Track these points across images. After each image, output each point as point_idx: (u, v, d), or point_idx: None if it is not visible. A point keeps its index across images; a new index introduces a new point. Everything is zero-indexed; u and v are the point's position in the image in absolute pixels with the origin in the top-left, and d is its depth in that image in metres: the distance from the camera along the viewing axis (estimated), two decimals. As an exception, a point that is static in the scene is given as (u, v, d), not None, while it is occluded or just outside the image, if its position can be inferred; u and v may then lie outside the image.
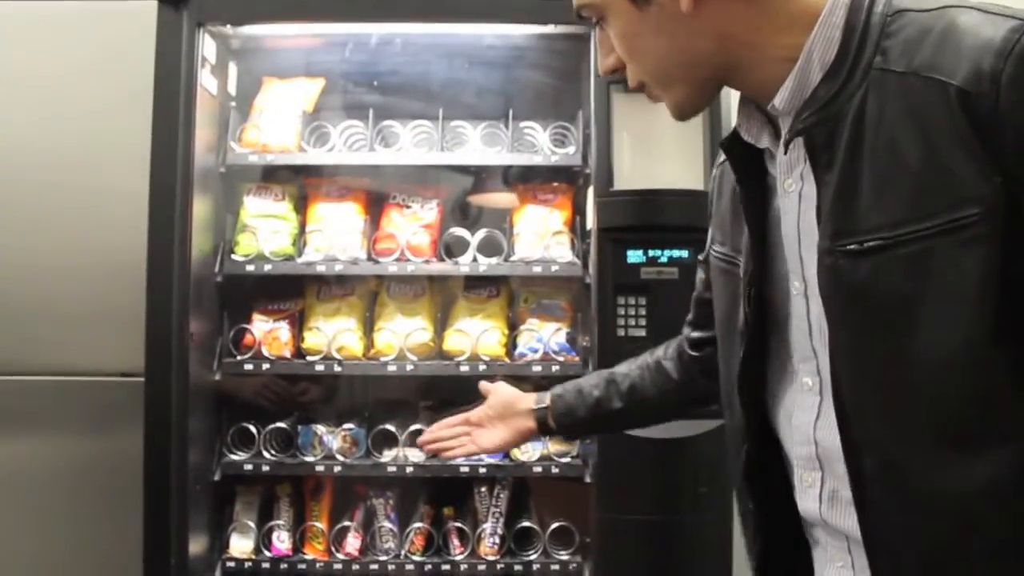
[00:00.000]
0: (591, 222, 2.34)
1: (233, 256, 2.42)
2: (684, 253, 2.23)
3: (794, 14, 1.00)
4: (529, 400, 1.62)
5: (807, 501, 1.08)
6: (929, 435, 0.94)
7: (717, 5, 1.01)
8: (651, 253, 2.23)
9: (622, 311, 2.22)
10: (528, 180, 2.57)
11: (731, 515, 2.27)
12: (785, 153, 1.05)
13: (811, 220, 1.01)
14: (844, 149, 0.97)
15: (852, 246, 0.95)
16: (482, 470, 2.38)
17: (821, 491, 1.05)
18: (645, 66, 1.08)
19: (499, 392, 1.66)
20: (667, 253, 2.23)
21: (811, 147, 1.00)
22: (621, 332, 2.22)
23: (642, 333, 2.21)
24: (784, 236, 1.07)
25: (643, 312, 2.22)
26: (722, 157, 1.23)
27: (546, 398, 1.59)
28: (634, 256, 2.23)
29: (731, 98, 2.36)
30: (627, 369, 1.57)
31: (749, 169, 1.12)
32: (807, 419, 1.06)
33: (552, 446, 2.39)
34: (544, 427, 1.59)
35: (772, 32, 1.01)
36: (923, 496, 0.95)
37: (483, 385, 1.70)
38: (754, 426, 1.13)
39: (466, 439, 1.65)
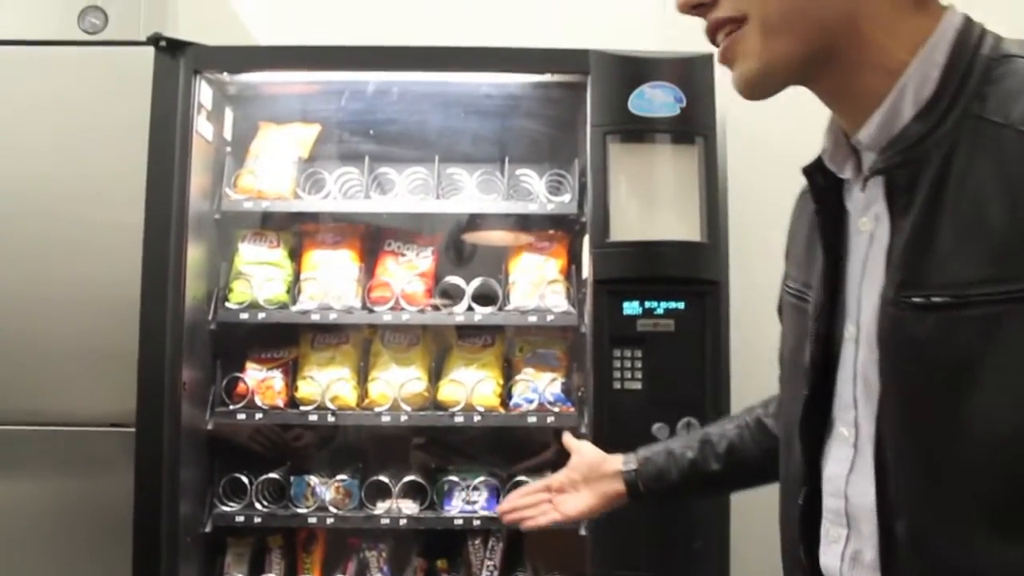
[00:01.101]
0: (586, 270, 2.34)
1: (227, 304, 2.40)
2: (680, 304, 2.21)
3: (911, 30, 0.94)
4: (616, 462, 1.52)
5: (829, 556, 1.02)
6: (971, 511, 0.88)
7: None
8: (647, 304, 2.22)
9: (618, 363, 2.20)
10: (524, 227, 2.56)
11: (727, 569, 2.25)
12: (863, 190, 1.00)
13: (878, 264, 0.96)
14: (925, 196, 0.91)
15: (919, 299, 0.90)
16: (476, 522, 2.35)
17: (845, 549, 1.00)
18: (761, 8, 0.95)
19: (582, 453, 1.57)
20: (663, 305, 2.21)
21: (890, 188, 0.95)
22: (617, 385, 2.20)
23: (638, 386, 2.19)
24: (849, 276, 1.02)
25: (639, 364, 2.20)
26: (801, 188, 1.17)
27: (633, 460, 1.51)
28: (630, 308, 2.22)
29: (735, 157, 2.40)
30: (721, 429, 1.48)
31: (827, 200, 1.05)
32: (839, 471, 1.01)
33: (547, 498, 2.36)
34: (634, 491, 1.50)
35: (887, 38, 0.94)
36: (952, 573, 0.89)
37: (567, 441, 1.63)
38: (815, 473, 1.05)
39: (548, 507, 1.56)
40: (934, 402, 0.89)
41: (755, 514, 2.32)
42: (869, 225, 0.98)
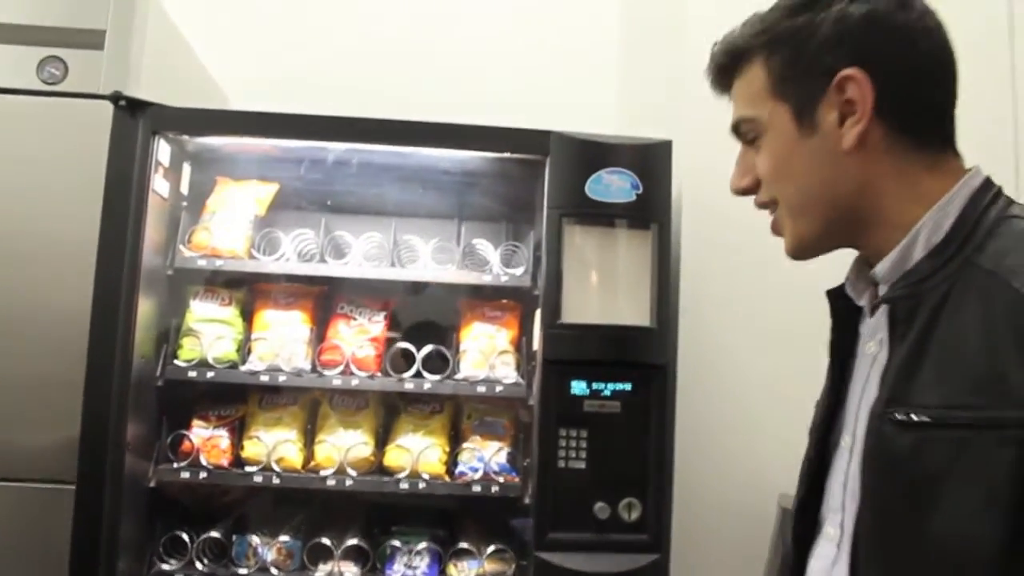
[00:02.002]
0: (536, 341, 2.38)
1: (176, 361, 2.40)
2: (627, 386, 2.26)
3: (923, 191, 1.09)
4: None
5: None
6: None
7: (870, 157, 1.10)
8: (594, 386, 2.26)
9: (563, 442, 2.24)
10: (476, 295, 2.59)
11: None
12: (871, 316, 1.15)
13: (875, 383, 1.08)
14: (920, 326, 1.04)
15: (901, 416, 1.02)
16: (417, 590, 2.38)
17: None
18: (787, 190, 1.16)
19: None
20: (610, 386, 2.26)
21: (893, 316, 1.09)
22: (562, 463, 2.23)
23: (582, 466, 2.24)
24: (851, 393, 1.16)
25: (584, 444, 2.24)
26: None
27: None
28: (577, 387, 2.26)
29: (690, 244, 2.45)
30: None
31: (846, 322, 1.21)
32: (821, 567, 1.14)
33: (488, 566, 2.39)
34: None
35: (901, 200, 1.10)
36: None
37: None
38: (801, 565, 1.19)
39: None
40: (906, 509, 1.01)
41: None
42: (874, 348, 1.13)
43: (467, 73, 3.06)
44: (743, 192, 1.21)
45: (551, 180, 2.31)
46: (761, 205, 1.20)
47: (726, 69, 1.22)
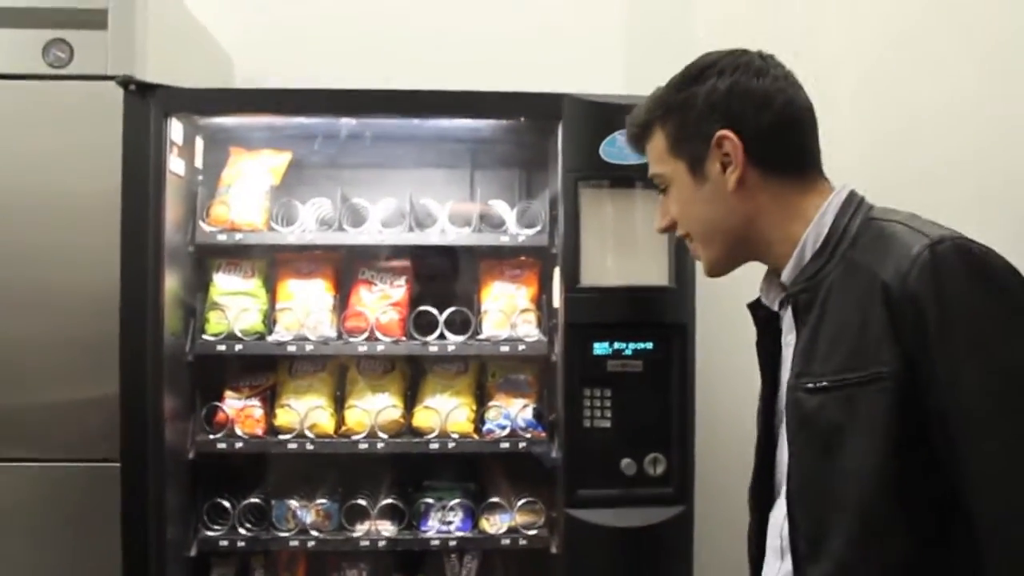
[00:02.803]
0: (557, 301, 2.42)
1: (204, 336, 2.45)
2: (649, 345, 2.31)
3: (800, 211, 1.39)
4: None
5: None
6: (845, 524, 1.26)
7: (750, 194, 1.40)
8: (616, 346, 2.31)
9: (588, 403, 2.30)
10: (495, 256, 2.62)
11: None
12: (783, 313, 1.43)
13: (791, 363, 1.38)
14: (815, 314, 1.33)
15: (809, 384, 1.31)
16: (452, 542, 2.47)
17: (779, 572, 1.41)
18: (694, 227, 1.48)
19: None
20: (632, 346, 2.31)
21: (796, 309, 1.38)
22: (587, 423, 2.30)
23: (607, 424, 2.30)
24: (782, 380, 1.41)
25: (608, 404, 2.30)
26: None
27: None
28: (600, 348, 2.31)
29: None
30: None
31: (768, 326, 1.49)
32: (775, 521, 1.42)
33: (519, 518, 2.48)
34: None
35: (784, 220, 1.40)
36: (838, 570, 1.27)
37: None
38: (762, 529, 1.47)
39: None
40: (815, 461, 1.30)
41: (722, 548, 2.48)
42: (790, 338, 1.41)
43: (472, 35, 3.01)
44: (665, 230, 1.54)
45: (565, 144, 2.31)
46: (682, 237, 1.52)
47: (639, 137, 1.53)
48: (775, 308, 1.47)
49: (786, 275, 1.40)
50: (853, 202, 1.38)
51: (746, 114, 1.38)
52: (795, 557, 1.34)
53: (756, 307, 1.52)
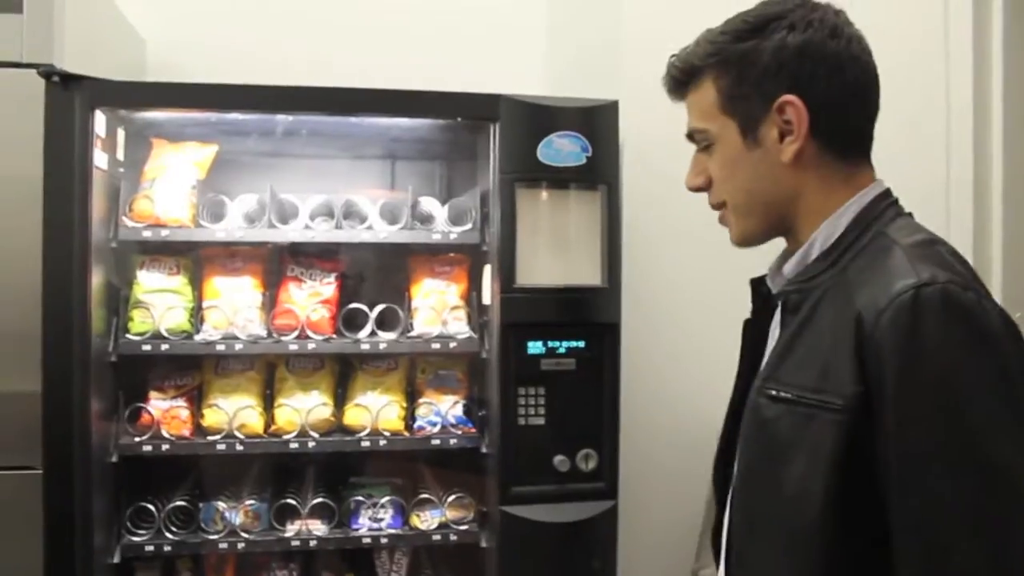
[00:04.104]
0: (487, 297, 2.45)
1: (128, 335, 2.37)
2: (581, 344, 2.37)
3: (836, 199, 1.28)
4: None
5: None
6: (768, 540, 1.24)
7: (803, 170, 1.28)
8: (550, 345, 2.36)
9: (522, 401, 2.34)
10: (424, 251, 2.62)
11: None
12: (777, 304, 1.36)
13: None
14: (800, 317, 1.25)
15: (772, 391, 1.24)
16: (384, 540, 2.48)
17: None
18: (735, 192, 1.34)
19: None
20: (565, 344, 2.36)
21: (784, 308, 1.32)
22: (522, 421, 2.34)
23: (541, 422, 2.35)
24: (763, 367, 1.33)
25: (542, 402, 2.35)
26: None
27: None
28: (534, 348, 2.35)
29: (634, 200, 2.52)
30: None
31: (764, 306, 1.40)
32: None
33: (450, 513, 2.50)
34: None
35: (821, 205, 1.28)
36: None
37: None
38: (721, 517, 1.42)
39: None
40: (763, 469, 1.25)
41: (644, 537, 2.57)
42: (776, 332, 1.34)
43: (391, 37, 3.01)
44: (697, 189, 1.38)
45: (502, 144, 2.33)
46: (713, 206, 1.38)
47: (681, 83, 1.36)
48: (775, 292, 1.37)
49: (788, 269, 1.32)
50: (878, 207, 1.27)
51: (817, 79, 1.25)
52: (727, 562, 1.33)
53: (759, 283, 1.42)
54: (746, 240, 1.36)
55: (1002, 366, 1.10)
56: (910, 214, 1.30)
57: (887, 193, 1.30)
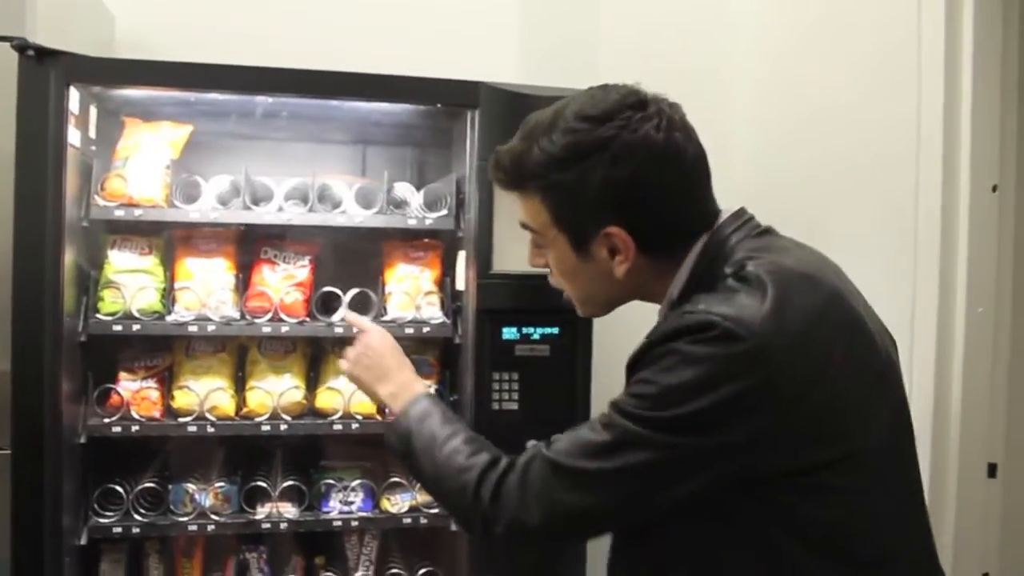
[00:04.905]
0: (461, 283, 2.47)
1: (98, 315, 2.35)
2: (555, 330, 2.40)
3: (670, 272, 1.36)
4: None
5: None
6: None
7: (637, 273, 1.35)
8: (524, 330, 2.38)
9: (496, 386, 2.37)
10: (398, 236, 2.63)
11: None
12: None
13: None
14: None
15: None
16: (354, 523, 2.49)
17: None
18: (574, 292, 1.48)
19: None
20: (539, 331, 2.39)
21: None
22: (496, 406, 2.37)
23: (515, 407, 2.38)
24: None
25: (516, 387, 2.38)
26: None
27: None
28: (508, 333, 2.38)
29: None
30: None
31: None
32: None
33: (420, 497, 2.52)
34: None
35: (660, 282, 1.37)
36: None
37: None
38: None
39: None
40: None
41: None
42: None
43: (364, 21, 2.99)
44: (542, 266, 1.48)
45: (481, 132, 2.35)
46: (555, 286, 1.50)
47: (509, 184, 1.45)
48: None
49: (660, 313, 1.41)
50: (708, 253, 1.35)
51: (641, 208, 1.31)
52: None
53: None
54: (591, 316, 1.56)
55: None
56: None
57: (707, 245, 1.36)
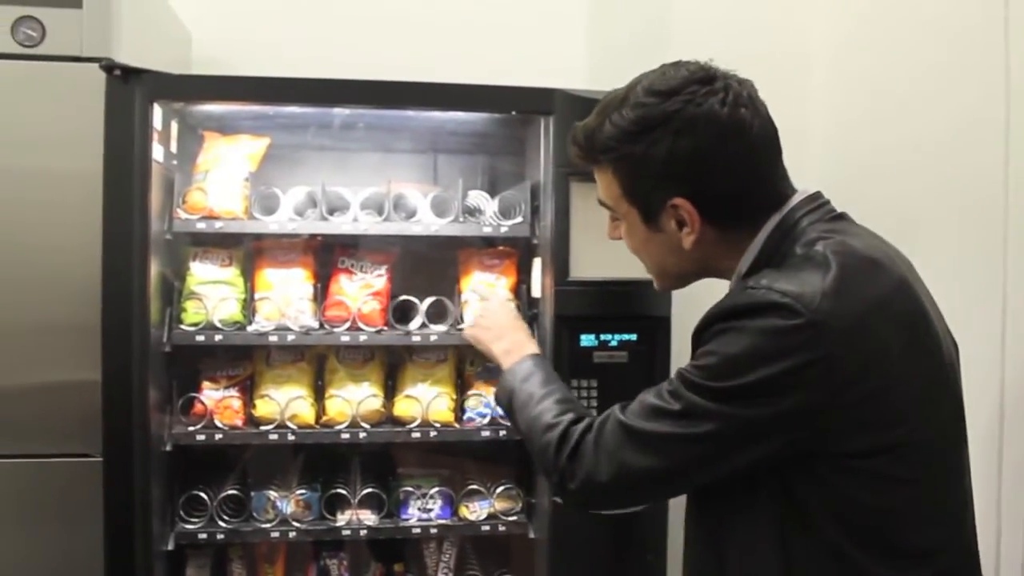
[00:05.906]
0: (536, 290, 2.47)
1: (181, 326, 2.40)
2: (633, 337, 2.38)
3: (740, 250, 1.42)
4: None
5: None
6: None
7: (705, 246, 1.41)
8: (603, 337, 2.38)
9: (575, 393, 2.35)
10: (475, 245, 2.64)
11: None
12: None
13: None
14: None
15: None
16: (433, 530, 2.50)
17: None
18: (648, 262, 1.56)
19: None
20: (617, 337, 2.38)
21: None
22: (575, 413, 2.36)
23: (593, 413, 2.36)
24: None
25: (595, 394, 2.37)
26: None
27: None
28: (587, 340, 2.37)
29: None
30: None
31: None
32: None
33: (498, 504, 2.52)
34: None
35: (729, 258, 1.43)
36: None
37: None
38: None
39: None
40: None
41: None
42: None
43: (435, 31, 3.02)
44: (618, 238, 1.57)
45: (556, 139, 2.34)
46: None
47: (585, 159, 1.51)
48: None
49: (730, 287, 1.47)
50: (780, 230, 1.39)
51: (705, 180, 1.36)
52: None
53: None
54: (665, 290, 1.63)
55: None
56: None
57: (782, 222, 1.39)
